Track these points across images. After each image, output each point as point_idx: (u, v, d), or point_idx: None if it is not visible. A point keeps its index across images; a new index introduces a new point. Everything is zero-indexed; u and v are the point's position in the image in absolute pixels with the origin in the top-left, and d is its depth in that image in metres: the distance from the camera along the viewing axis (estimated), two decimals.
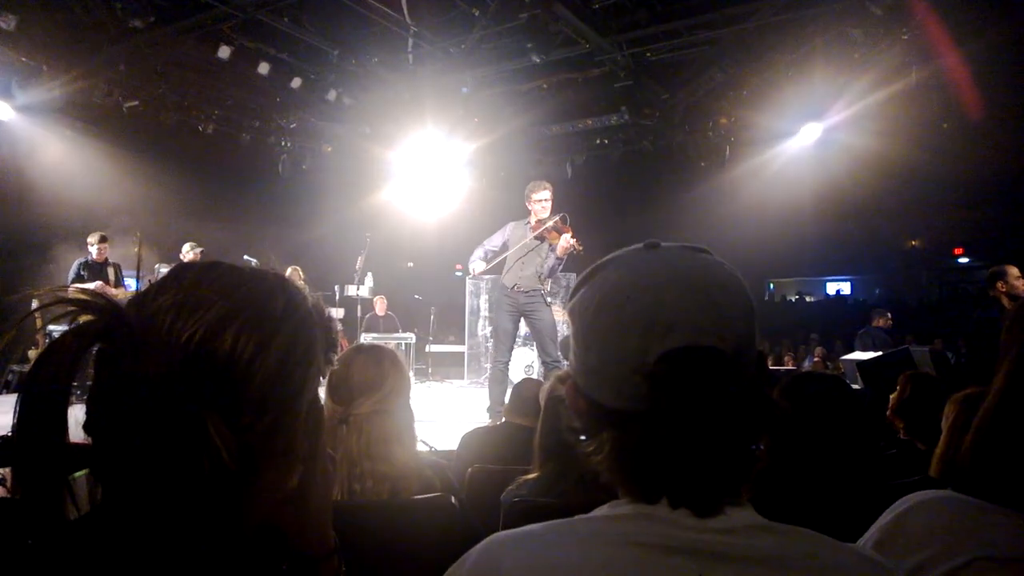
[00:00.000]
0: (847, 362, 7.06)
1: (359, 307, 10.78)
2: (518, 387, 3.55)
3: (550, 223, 6.48)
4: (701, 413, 0.82)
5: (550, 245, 6.51)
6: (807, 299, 27.18)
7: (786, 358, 15.61)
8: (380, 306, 12.73)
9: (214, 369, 0.78)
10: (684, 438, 0.83)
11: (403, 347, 12.27)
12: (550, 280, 6.69)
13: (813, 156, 11.82)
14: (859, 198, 18.26)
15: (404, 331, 12.42)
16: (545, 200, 6.53)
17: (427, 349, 13.42)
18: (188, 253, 9.28)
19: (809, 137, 11.35)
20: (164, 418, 0.76)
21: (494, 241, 6.73)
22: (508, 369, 6.72)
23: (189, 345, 0.78)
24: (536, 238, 6.55)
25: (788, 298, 27.45)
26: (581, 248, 6.30)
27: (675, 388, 0.82)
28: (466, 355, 13.27)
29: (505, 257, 6.69)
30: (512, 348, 6.89)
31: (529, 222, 6.64)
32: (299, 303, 0.88)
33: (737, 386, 0.84)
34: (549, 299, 6.68)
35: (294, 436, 0.86)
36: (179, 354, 0.78)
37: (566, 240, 6.34)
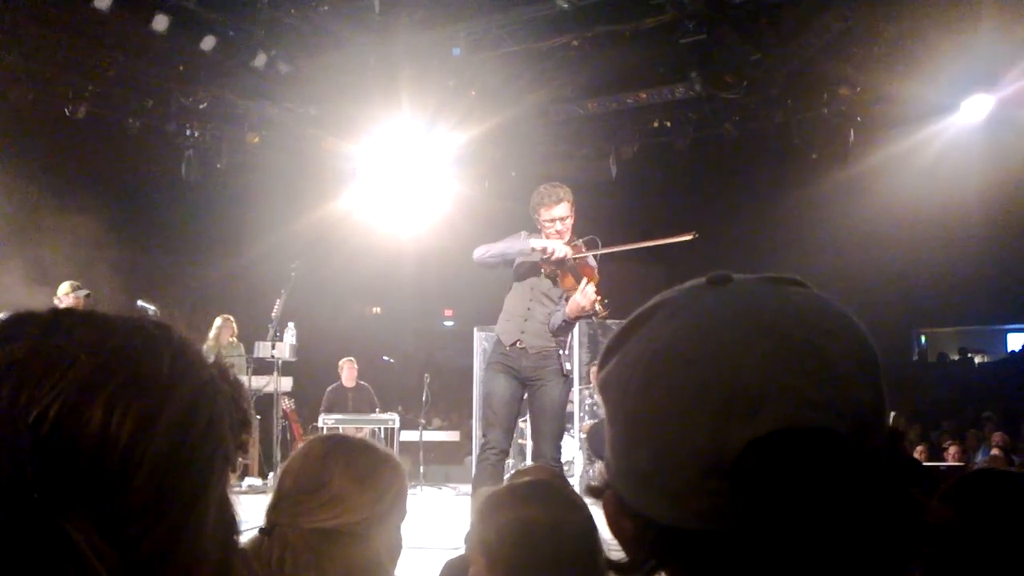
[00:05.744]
0: None
1: (277, 375, 10.75)
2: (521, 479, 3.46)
3: (568, 254, 6.29)
4: (816, 532, 0.81)
5: (563, 292, 6.37)
6: (977, 359, 26.99)
7: (948, 448, 15.41)
8: (349, 373, 12.84)
9: (78, 459, 0.79)
10: (791, 572, 0.82)
11: (381, 433, 12.24)
12: (566, 337, 6.60)
13: (982, 143, 11.83)
14: None
15: (384, 410, 12.49)
16: (561, 219, 6.34)
17: (404, 437, 13.34)
18: (66, 297, 9.34)
19: (976, 114, 11.38)
20: (9, 536, 0.76)
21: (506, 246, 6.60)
22: (505, 465, 6.61)
23: (40, 425, 0.79)
24: (547, 276, 6.45)
25: (948, 358, 27.29)
26: (606, 312, 6.04)
27: (773, 494, 0.80)
28: (475, 447, 13.21)
29: (505, 297, 6.65)
30: (513, 426, 6.77)
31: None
32: (194, 361, 0.92)
33: (866, 485, 0.83)
34: (568, 367, 6.57)
35: (200, 555, 0.88)
36: (26, 440, 0.78)
37: (585, 295, 6.05)
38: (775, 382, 0.83)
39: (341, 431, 12.29)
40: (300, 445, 2.39)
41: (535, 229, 6.60)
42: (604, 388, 0.94)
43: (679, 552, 0.87)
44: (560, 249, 6.24)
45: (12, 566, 0.76)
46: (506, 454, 6.58)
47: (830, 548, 0.82)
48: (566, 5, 9.71)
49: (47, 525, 0.77)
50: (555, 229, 6.33)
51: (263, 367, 11.26)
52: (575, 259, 6.27)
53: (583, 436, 12.34)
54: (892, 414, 0.92)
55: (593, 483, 0.97)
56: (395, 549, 2.22)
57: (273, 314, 10.54)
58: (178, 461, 0.85)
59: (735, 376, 0.83)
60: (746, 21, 10.54)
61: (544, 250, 6.27)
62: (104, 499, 0.80)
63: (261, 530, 2.11)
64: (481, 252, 6.59)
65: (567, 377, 6.54)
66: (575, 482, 10.78)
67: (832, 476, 0.81)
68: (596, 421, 7.38)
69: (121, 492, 0.81)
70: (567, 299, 6.27)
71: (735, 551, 0.83)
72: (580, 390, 12.77)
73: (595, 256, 6.34)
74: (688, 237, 6.38)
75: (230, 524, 0.95)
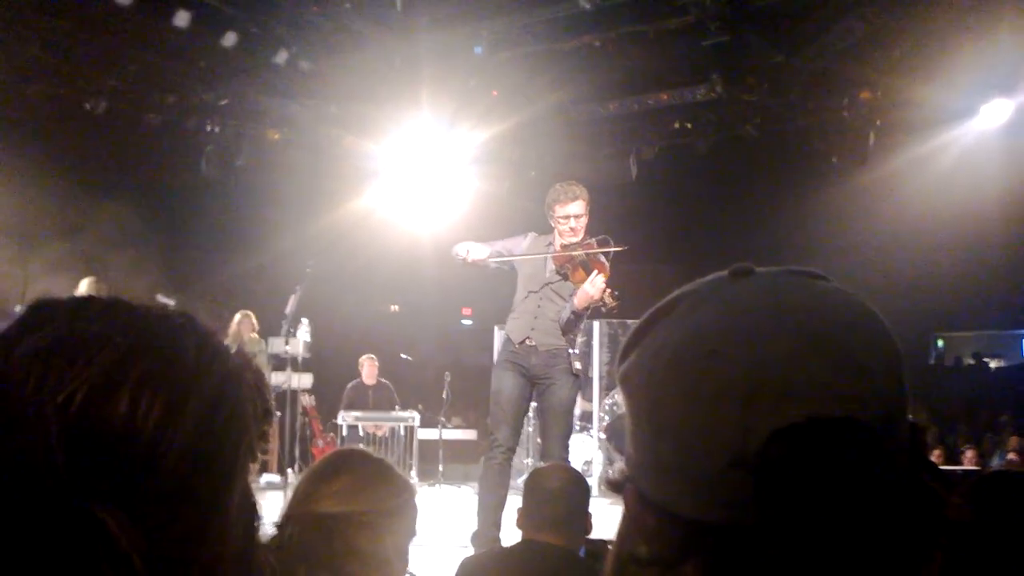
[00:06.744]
0: None
1: (291, 371, 10.81)
2: (539, 480, 3.49)
3: (579, 252, 6.32)
4: (839, 523, 0.80)
5: (575, 287, 6.35)
6: (993, 364, 26.86)
7: (965, 451, 15.36)
8: (369, 371, 12.95)
9: (106, 444, 0.80)
10: (816, 565, 0.81)
11: (401, 432, 12.26)
12: (575, 335, 6.57)
13: (1001, 147, 11.77)
14: None
15: (404, 408, 12.62)
16: (576, 216, 6.39)
17: (422, 435, 13.37)
18: (85, 292, 9.35)
19: (995, 119, 11.32)
20: (39, 520, 0.77)
21: (502, 246, 6.65)
22: (512, 463, 6.58)
23: (67, 410, 0.80)
24: (558, 272, 6.46)
25: (965, 362, 27.15)
26: (616, 303, 6.12)
27: (798, 484, 0.80)
28: None
29: (514, 297, 6.63)
30: (520, 425, 6.76)
31: (552, 243, 6.54)
32: (218, 350, 0.93)
33: (889, 476, 0.83)
34: (577, 365, 6.54)
35: (226, 541, 0.89)
36: (54, 425, 0.79)
37: (595, 285, 6.09)
38: (798, 373, 0.82)
39: (361, 428, 12.43)
40: (321, 456, 2.60)
41: (548, 229, 6.61)
42: (626, 381, 0.94)
43: (703, 545, 0.86)
44: (474, 252, 6.46)
45: (44, 549, 0.77)
46: (513, 452, 6.57)
47: (853, 539, 0.81)
48: (588, 5, 9.66)
49: (77, 509, 0.78)
50: (569, 226, 6.37)
51: (281, 363, 11.30)
52: (587, 254, 6.30)
53: (603, 436, 12.31)
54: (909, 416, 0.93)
55: (614, 478, 0.96)
56: (403, 553, 2.31)
57: (287, 311, 10.56)
58: (204, 448, 0.86)
59: (758, 367, 0.83)
60: (768, 23, 10.49)
61: (458, 254, 6.50)
62: (132, 485, 0.81)
63: (277, 524, 2.22)
64: (456, 250, 6.71)
65: (576, 376, 6.53)
66: (593, 483, 10.77)
67: (856, 466, 0.81)
68: (617, 416, 7.33)
69: (149, 478, 0.82)
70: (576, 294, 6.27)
71: (759, 543, 0.82)
72: (600, 390, 12.75)
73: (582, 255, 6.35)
74: (621, 248, 6.42)
75: (252, 513, 0.96)
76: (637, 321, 0.95)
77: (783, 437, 0.80)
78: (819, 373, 0.82)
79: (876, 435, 0.82)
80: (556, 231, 6.47)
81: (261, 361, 10.88)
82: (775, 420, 0.81)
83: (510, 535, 4.73)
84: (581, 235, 6.41)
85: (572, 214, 6.37)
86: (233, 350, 0.97)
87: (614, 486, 0.95)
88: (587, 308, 6.25)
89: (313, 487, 2.27)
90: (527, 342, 6.46)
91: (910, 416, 0.90)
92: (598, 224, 6.63)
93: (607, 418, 12.26)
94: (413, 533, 2.36)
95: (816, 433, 0.80)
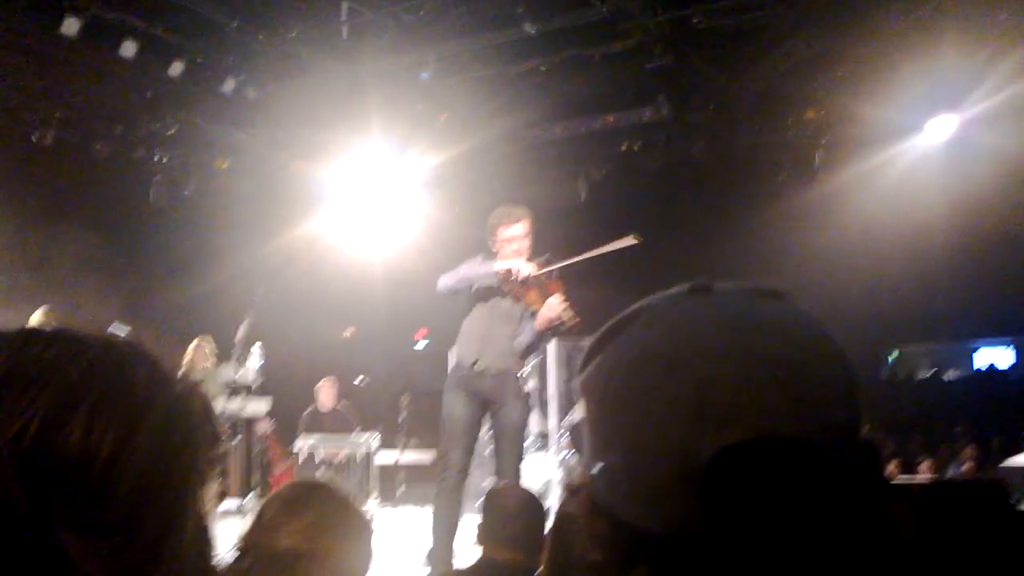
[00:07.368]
0: (1013, 469, 7.07)
1: (243, 398, 10.77)
2: (497, 499, 3.51)
3: (533, 272, 6.35)
4: (782, 542, 0.82)
5: (527, 308, 6.42)
6: (947, 376, 27.01)
7: (921, 463, 15.46)
8: (326, 394, 12.84)
9: (61, 472, 0.81)
10: None
11: (358, 457, 12.17)
12: (529, 360, 6.59)
13: (945, 164, 11.87)
14: (1019, 225, 18.21)
15: (363, 431, 12.49)
16: (520, 238, 6.46)
17: (379, 460, 13.31)
18: (38, 323, 9.28)
19: (939, 136, 11.42)
20: (2, 549, 0.77)
21: (466, 271, 6.64)
22: (464, 484, 6.60)
23: (21, 441, 0.80)
24: (507, 295, 6.49)
25: (919, 375, 27.27)
26: (576, 321, 6.14)
27: (741, 504, 0.82)
28: None
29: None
30: (472, 447, 6.77)
31: None
32: (167, 376, 0.94)
33: (835, 497, 0.84)
34: (527, 387, 6.59)
35: (181, 566, 0.90)
36: (8, 455, 0.79)
37: (553, 306, 6.15)
38: (745, 394, 0.84)
39: (321, 451, 12.31)
40: (287, 482, 2.56)
41: (491, 253, 6.62)
42: (584, 389, 0.96)
43: (649, 554, 0.88)
44: (524, 267, 6.28)
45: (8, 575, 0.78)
46: (466, 474, 6.56)
47: (794, 555, 0.82)
48: (533, 30, 9.72)
49: (37, 536, 0.79)
50: (513, 248, 6.38)
51: (236, 389, 11.19)
52: (538, 275, 6.30)
53: (563, 458, 12.26)
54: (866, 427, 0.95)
55: (572, 482, 0.98)
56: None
57: (236, 339, 10.49)
58: (158, 472, 0.87)
59: (708, 386, 0.85)
60: (711, 46, 10.57)
61: (509, 271, 6.30)
62: (88, 511, 0.81)
63: (238, 549, 2.20)
64: (444, 281, 6.62)
65: (527, 398, 6.55)
66: (550, 503, 10.71)
67: (798, 488, 0.82)
68: (581, 418, 7.35)
69: (105, 504, 0.83)
70: (533, 315, 6.30)
71: (704, 556, 0.83)
72: (557, 410, 12.68)
73: (554, 270, 6.36)
74: (632, 241, 6.42)
75: (205, 537, 0.96)
76: (591, 339, 0.97)
77: (728, 456, 0.82)
78: (766, 394, 0.84)
79: (819, 456, 0.84)
80: (500, 255, 6.48)
81: (216, 387, 10.79)
82: (721, 439, 0.83)
83: (468, 554, 4.72)
84: (527, 255, 6.44)
85: (516, 235, 6.42)
86: (181, 376, 0.98)
87: (571, 490, 0.98)
88: (548, 330, 6.28)
89: (278, 519, 2.24)
90: (476, 365, 6.48)
91: (870, 435, 0.91)
92: (549, 246, 6.65)
93: (565, 437, 12.21)
94: (366, 571, 2.35)
95: (760, 455, 0.82)
